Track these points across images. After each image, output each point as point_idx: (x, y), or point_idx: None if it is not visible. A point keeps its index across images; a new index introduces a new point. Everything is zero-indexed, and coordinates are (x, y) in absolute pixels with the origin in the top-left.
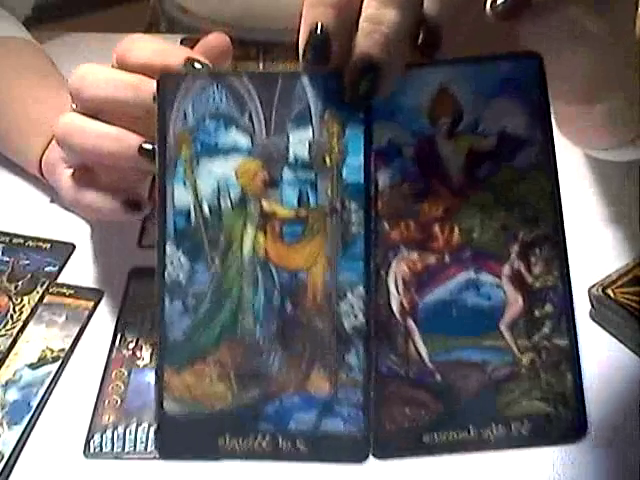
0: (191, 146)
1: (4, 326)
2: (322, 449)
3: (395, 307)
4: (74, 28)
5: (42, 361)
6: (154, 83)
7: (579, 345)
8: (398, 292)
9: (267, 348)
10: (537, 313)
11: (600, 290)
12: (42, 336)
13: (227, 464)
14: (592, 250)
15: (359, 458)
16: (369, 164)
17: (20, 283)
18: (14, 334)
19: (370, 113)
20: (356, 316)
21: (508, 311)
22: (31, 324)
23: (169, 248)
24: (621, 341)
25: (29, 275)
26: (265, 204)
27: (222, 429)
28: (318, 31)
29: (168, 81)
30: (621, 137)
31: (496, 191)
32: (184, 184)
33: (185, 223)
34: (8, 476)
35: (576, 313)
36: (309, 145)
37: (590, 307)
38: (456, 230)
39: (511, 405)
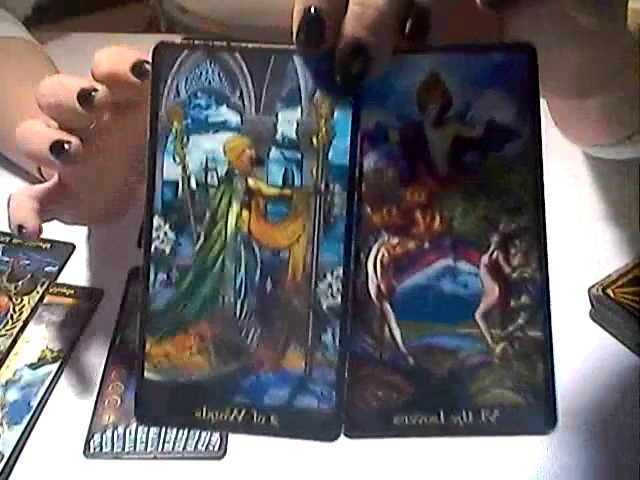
0: (182, 120)
1: (4, 326)
2: (295, 425)
3: (372, 290)
4: (74, 28)
5: (42, 361)
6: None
7: (552, 337)
8: (376, 276)
9: (246, 324)
10: (513, 304)
11: (600, 290)
12: (42, 336)
13: (228, 465)
14: (592, 250)
15: (330, 436)
16: (355, 147)
17: (20, 283)
18: (14, 334)
19: (359, 96)
20: (334, 297)
21: (484, 300)
22: (31, 324)
23: (156, 220)
24: (621, 341)
25: (29, 275)
26: (251, 181)
27: (199, 399)
28: (312, 12)
29: (163, 53)
30: (617, 134)
31: (480, 181)
32: (173, 158)
33: (173, 196)
34: (8, 476)
35: (576, 313)
36: (297, 125)
37: (590, 307)
38: (437, 217)
39: (482, 393)
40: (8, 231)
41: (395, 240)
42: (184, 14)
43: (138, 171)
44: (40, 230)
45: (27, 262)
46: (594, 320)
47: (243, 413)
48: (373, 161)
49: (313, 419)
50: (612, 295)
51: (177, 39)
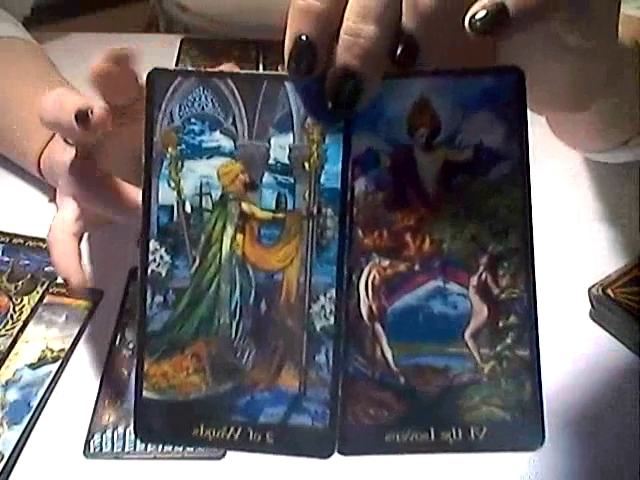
0: (176, 146)
1: (4, 326)
2: (290, 443)
3: (364, 311)
4: (74, 28)
5: (42, 361)
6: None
7: (540, 356)
8: (368, 297)
9: (241, 344)
10: (501, 324)
11: (600, 290)
12: (42, 336)
13: (228, 465)
14: (592, 250)
15: (324, 453)
16: (347, 172)
17: (20, 283)
18: (14, 334)
19: (350, 121)
20: (327, 318)
21: (473, 321)
22: (31, 324)
23: (152, 244)
24: (621, 341)
25: (29, 275)
26: (245, 205)
27: (196, 418)
28: (303, 41)
29: (157, 79)
30: (614, 140)
31: (469, 203)
32: (168, 182)
33: (168, 220)
34: (8, 476)
35: (576, 313)
36: (289, 150)
37: (590, 307)
38: (427, 240)
39: (471, 410)
40: (8, 231)
41: (386, 262)
42: (184, 12)
43: (137, 174)
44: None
45: (27, 262)
46: (594, 320)
47: (240, 431)
48: (364, 185)
49: (307, 437)
50: (612, 295)
51: (176, 39)
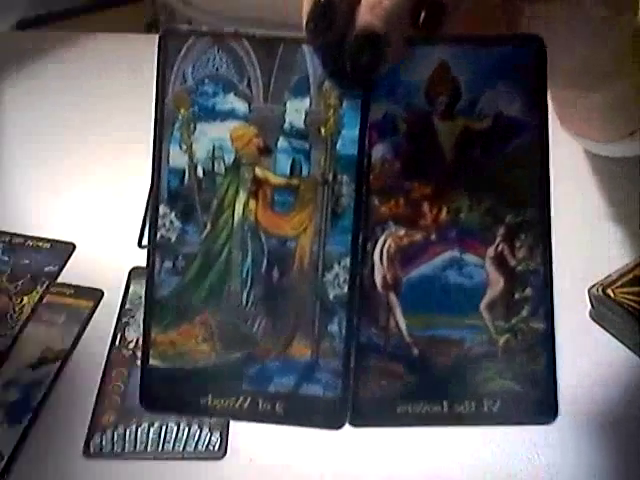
0: (189, 108)
1: (4, 326)
2: (299, 413)
3: (379, 281)
4: (74, 28)
5: (42, 361)
6: None
7: (555, 329)
8: (383, 266)
9: (252, 312)
10: (517, 296)
11: (600, 290)
12: (42, 336)
13: (228, 465)
14: (592, 250)
15: (335, 424)
16: (364, 138)
17: (20, 283)
18: (14, 334)
19: (369, 86)
20: (341, 287)
21: (489, 292)
22: (31, 324)
23: (162, 209)
24: (621, 341)
25: (29, 275)
26: (258, 170)
27: (204, 387)
28: (322, 1)
29: (170, 39)
30: (620, 130)
31: (487, 173)
32: (180, 146)
33: (179, 184)
34: (8, 476)
35: (576, 313)
36: (305, 115)
37: (590, 307)
38: (444, 209)
39: (484, 383)
40: (8, 231)
41: (402, 231)
42: (186, 7)
43: None
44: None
45: (27, 262)
46: (594, 320)
47: (249, 401)
48: (381, 152)
49: (318, 407)
50: (612, 295)
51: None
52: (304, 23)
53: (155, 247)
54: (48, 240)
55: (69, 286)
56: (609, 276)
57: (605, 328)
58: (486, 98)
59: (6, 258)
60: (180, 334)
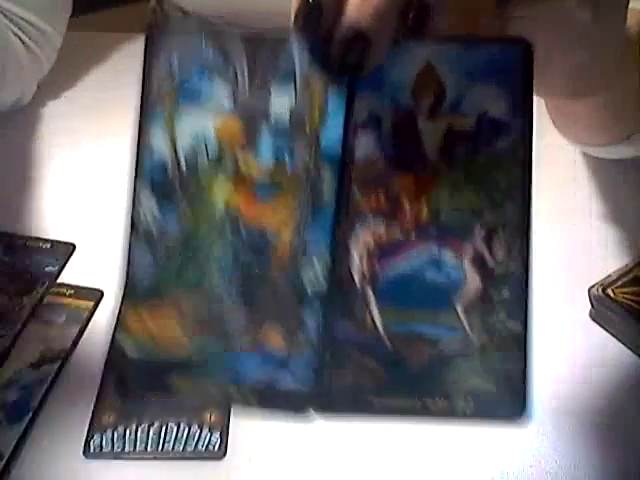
0: (174, 95)
1: (4, 326)
2: (271, 403)
3: (357, 276)
4: (74, 28)
5: (42, 361)
6: None
7: (531, 331)
8: (361, 262)
9: (229, 302)
10: (494, 297)
11: (600, 290)
12: (42, 336)
13: (228, 465)
14: (592, 250)
15: (305, 415)
16: (348, 134)
17: (20, 283)
18: (14, 334)
19: (354, 82)
20: (318, 280)
21: (466, 292)
22: (31, 324)
23: (142, 194)
24: (621, 341)
25: (29, 275)
26: (241, 162)
27: (176, 374)
28: None
29: (157, 26)
30: (615, 134)
31: (469, 173)
32: (163, 132)
33: (161, 172)
34: (8, 476)
35: (576, 313)
36: (290, 109)
37: (590, 307)
38: (425, 207)
39: (458, 381)
40: (8, 231)
41: (382, 227)
42: (185, 16)
43: None
44: None
45: (27, 262)
46: (594, 320)
47: (222, 389)
48: (365, 148)
49: (290, 398)
50: (612, 295)
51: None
52: (292, 18)
53: (133, 232)
54: (48, 240)
55: (69, 286)
56: (609, 276)
57: (605, 328)
58: (471, 98)
59: (6, 258)
60: (156, 321)
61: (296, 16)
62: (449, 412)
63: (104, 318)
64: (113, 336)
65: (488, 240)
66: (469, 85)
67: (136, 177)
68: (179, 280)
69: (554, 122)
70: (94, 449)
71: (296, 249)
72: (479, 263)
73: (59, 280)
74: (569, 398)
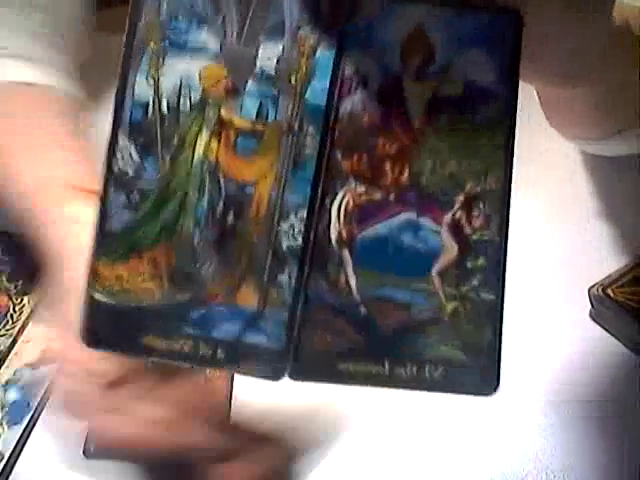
0: (160, 41)
1: (4, 326)
2: (240, 361)
3: (334, 236)
4: None
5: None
6: None
7: (504, 301)
8: (339, 222)
9: (203, 254)
10: (469, 265)
11: (600, 290)
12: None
13: None
14: (592, 250)
15: (275, 376)
16: (334, 90)
17: (20, 283)
18: (14, 334)
19: (343, 40)
20: (295, 238)
21: (442, 258)
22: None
23: (121, 140)
24: (621, 341)
25: (29, 275)
26: (224, 111)
27: (147, 326)
28: None
29: None
30: (607, 128)
31: (452, 139)
32: (147, 78)
33: (142, 117)
34: (8, 476)
35: (576, 313)
36: (277, 60)
37: (590, 307)
38: (406, 170)
39: (429, 348)
40: (8, 231)
41: (362, 188)
42: None
43: None
44: None
45: (27, 262)
46: (594, 320)
47: (190, 343)
48: (349, 107)
49: (260, 357)
50: (612, 295)
51: None
52: None
53: (110, 177)
54: None
55: None
56: (609, 276)
57: (605, 328)
58: (459, 64)
59: (6, 258)
60: (127, 269)
61: None
62: (417, 380)
63: None
64: (90, 295)
65: (467, 207)
66: (458, 51)
67: (117, 119)
68: (152, 228)
69: (548, 118)
70: (94, 449)
71: (274, 205)
72: (457, 230)
73: None
74: (569, 398)
